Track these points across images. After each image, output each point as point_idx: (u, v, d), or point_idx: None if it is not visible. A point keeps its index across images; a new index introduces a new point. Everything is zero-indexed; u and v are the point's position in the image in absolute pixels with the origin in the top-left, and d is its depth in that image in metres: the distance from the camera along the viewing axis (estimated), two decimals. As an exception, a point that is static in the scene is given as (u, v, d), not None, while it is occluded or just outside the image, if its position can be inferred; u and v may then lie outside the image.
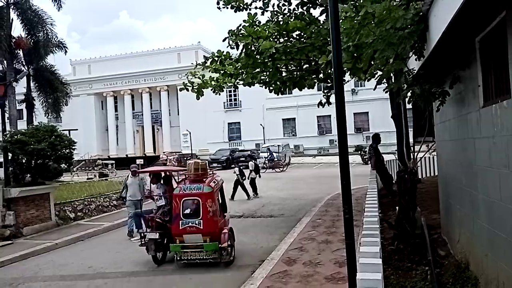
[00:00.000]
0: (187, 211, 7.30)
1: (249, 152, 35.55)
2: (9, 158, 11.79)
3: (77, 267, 8.05)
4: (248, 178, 16.02)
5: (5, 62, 21.25)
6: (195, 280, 6.73)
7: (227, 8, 9.39)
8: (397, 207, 7.50)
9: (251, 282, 5.93)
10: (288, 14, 9.28)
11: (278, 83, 10.50)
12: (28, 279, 7.42)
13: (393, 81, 6.83)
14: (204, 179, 7.63)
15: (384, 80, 6.58)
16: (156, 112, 53.79)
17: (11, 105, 20.14)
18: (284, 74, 10.36)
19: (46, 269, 8.07)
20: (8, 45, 20.14)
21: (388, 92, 8.54)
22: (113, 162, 36.51)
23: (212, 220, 7.26)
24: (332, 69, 3.72)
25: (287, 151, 37.86)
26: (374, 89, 7.26)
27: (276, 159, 31.96)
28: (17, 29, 27.66)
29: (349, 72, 7.78)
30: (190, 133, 45.40)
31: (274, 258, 7.06)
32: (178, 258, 7.33)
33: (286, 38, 9.15)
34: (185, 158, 38.32)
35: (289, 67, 10.25)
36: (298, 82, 10.35)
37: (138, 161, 32.67)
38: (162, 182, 8.49)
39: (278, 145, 35.95)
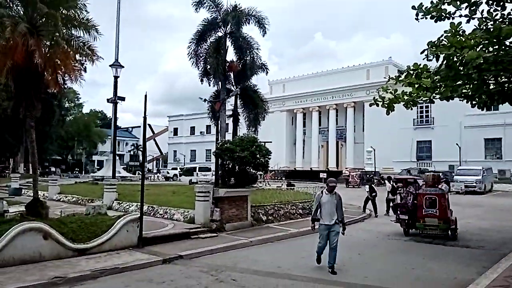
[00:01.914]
0: (428, 204, 11.72)
1: (440, 174, 32.17)
2: (219, 163, 13.99)
3: (267, 265, 8.87)
4: (386, 200, 17.50)
5: (219, 83, 25.28)
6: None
7: (426, 18, 8.92)
8: None
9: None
10: (501, 19, 8.19)
11: (483, 96, 9.34)
12: (228, 268, 8.55)
13: None
14: (438, 185, 12.11)
15: None
16: (341, 128, 54.51)
17: (222, 119, 23.82)
18: (492, 86, 9.15)
19: (242, 262, 9.16)
20: (223, 68, 23.93)
21: None
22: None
23: (444, 211, 11.52)
24: None
25: (489, 175, 32.74)
26: None
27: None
28: (229, 55, 32.40)
29: None
30: (374, 150, 44.20)
31: (472, 293, 6.26)
32: (420, 232, 11.97)
33: (497, 47, 8.08)
34: (368, 176, 37.58)
35: (499, 79, 8.99)
36: (510, 96, 8.97)
37: (322, 175, 33.71)
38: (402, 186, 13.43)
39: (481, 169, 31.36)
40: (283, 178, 42.92)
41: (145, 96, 10.83)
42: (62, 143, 65.94)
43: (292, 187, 20.51)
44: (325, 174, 37.13)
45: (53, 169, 60.71)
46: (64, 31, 11.59)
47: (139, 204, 10.76)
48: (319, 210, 8.31)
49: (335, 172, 47.86)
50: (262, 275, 7.99)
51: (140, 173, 13.83)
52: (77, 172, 62.40)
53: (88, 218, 10.70)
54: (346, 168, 47.48)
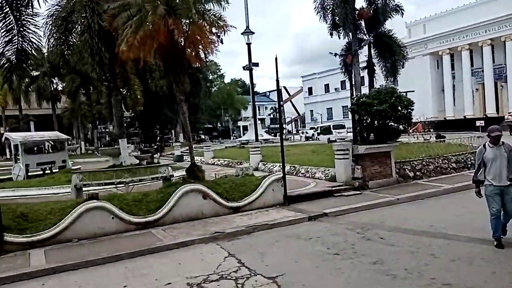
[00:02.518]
0: None
1: None
2: (356, 119, 13.52)
3: (418, 223, 8.37)
4: None
5: (350, 34, 24.01)
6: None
7: None
8: None
9: None
10: None
11: None
12: (375, 226, 8.36)
13: None
14: None
15: None
16: (500, 66, 46.53)
17: (355, 72, 22.76)
18: None
19: (389, 220, 8.84)
20: (353, 17, 22.58)
21: None
22: None
23: None
24: None
25: None
26: None
27: None
28: (357, 1, 30.32)
29: None
30: (547, 88, 36.78)
31: None
32: None
33: None
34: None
35: None
36: None
37: (478, 123, 29.80)
38: None
39: None
40: (431, 130, 39.35)
41: (276, 59, 11.03)
42: (211, 112, 73.04)
43: (442, 139, 18.66)
44: (483, 121, 32.71)
45: (202, 136, 68.60)
46: (198, 6, 12.33)
47: (282, 164, 11.24)
48: (482, 169, 6.67)
49: (494, 118, 41.59)
50: (412, 234, 7.59)
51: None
52: (234, 137, 69.20)
53: (237, 179, 11.66)
54: (509, 113, 40.66)
